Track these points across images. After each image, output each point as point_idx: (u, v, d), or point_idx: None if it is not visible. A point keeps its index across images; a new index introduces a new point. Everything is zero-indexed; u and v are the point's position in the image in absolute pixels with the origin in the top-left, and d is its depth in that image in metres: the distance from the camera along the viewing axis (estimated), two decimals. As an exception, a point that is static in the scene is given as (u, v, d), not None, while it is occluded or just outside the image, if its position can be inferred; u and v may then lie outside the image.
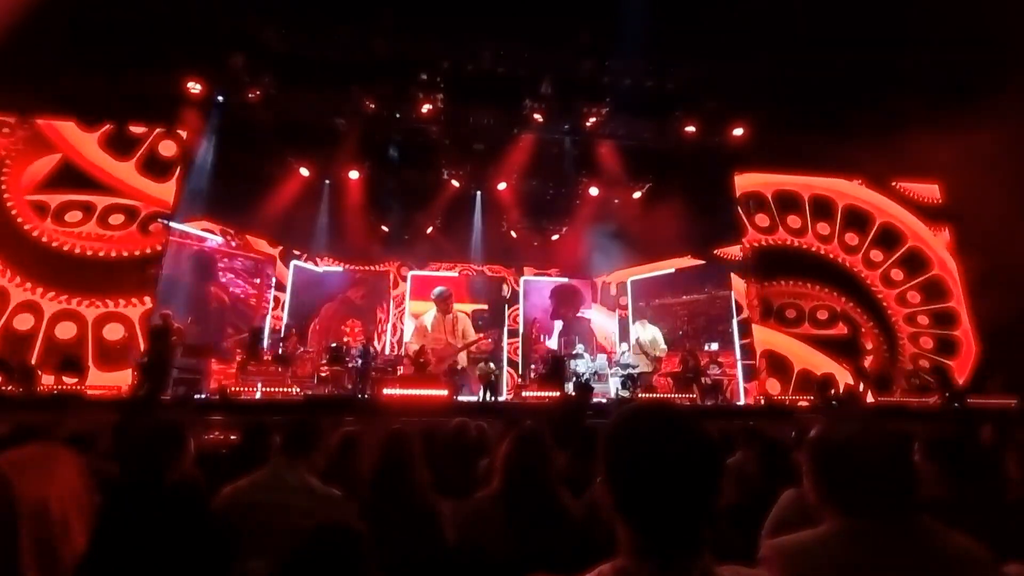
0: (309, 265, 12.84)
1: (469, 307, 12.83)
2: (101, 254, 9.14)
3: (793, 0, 8.81)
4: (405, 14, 9.20)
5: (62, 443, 2.00)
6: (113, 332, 8.83)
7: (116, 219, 9.32)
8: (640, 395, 9.43)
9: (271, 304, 11.97)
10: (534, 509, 1.94)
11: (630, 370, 10.07)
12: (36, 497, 0.82)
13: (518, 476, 2.01)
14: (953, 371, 9.57)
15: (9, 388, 7.14)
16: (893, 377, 9.75)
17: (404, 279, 13.53)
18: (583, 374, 10.01)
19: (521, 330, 13.15)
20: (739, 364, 11.08)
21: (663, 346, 11.02)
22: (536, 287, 13.80)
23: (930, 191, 11.48)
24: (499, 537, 1.87)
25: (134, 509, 1.74)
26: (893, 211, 11.39)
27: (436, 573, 1.96)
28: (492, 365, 10.44)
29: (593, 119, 10.60)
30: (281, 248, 12.31)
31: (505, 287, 13.74)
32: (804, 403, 8.68)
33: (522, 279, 13.80)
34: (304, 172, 11.49)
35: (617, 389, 9.88)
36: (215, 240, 10.97)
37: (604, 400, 9.33)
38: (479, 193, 12.87)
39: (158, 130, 9.86)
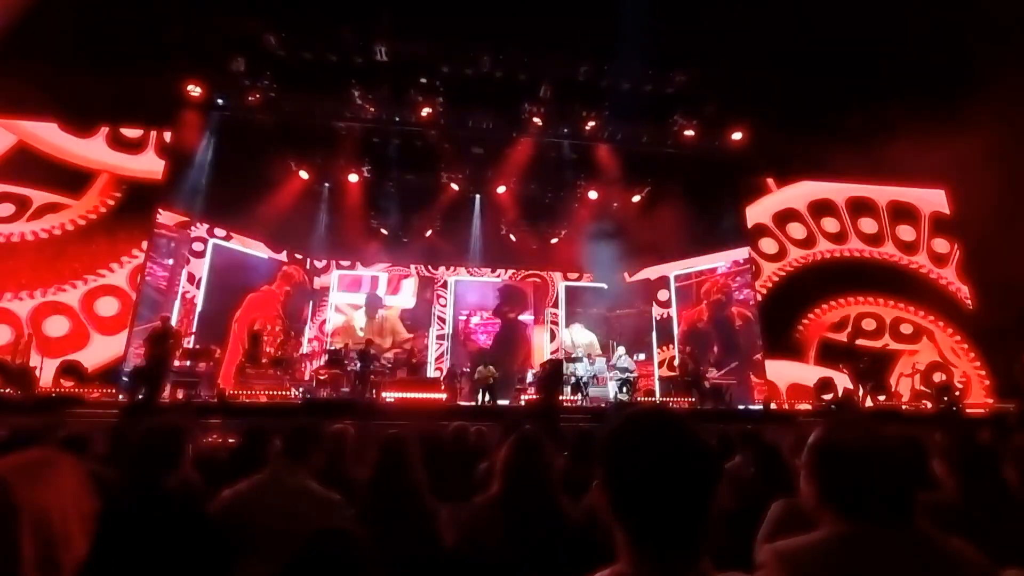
0: (232, 244, 11.34)
1: (397, 307, 13.15)
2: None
3: (791, 4, 8.85)
4: (404, 18, 9.23)
5: (62, 448, 2.00)
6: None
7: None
8: (639, 399, 9.43)
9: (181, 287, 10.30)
10: (533, 513, 1.93)
11: (628, 374, 10.07)
12: (37, 504, 0.82)
13: (517, 480, 2.00)
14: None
15: (7, 390, 7.13)
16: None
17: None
18: (582, 377, 10.01)
19: (448, 331, 13.28)
20: (656, 372, 12.38)
21: (598, 350, 12.32)
22: (471, 286, 13.90)
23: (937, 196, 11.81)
24: (498, 541, 1.87)
25: (133, 512, 1.74)
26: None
27: (435, 577, 1.96)
28: (491, 368, 10.43)
29: (592, 123, 10.64)
30: (208, 226, 10.98)
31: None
32: (803, 407, 8.67)
33: (452, 279, 13.80)
34: (303, 175, 11.49)
35: (616, 392, 9.88)
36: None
37: (603, 404, 9.33)
38: (478, 196, 12.90)
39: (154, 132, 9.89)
